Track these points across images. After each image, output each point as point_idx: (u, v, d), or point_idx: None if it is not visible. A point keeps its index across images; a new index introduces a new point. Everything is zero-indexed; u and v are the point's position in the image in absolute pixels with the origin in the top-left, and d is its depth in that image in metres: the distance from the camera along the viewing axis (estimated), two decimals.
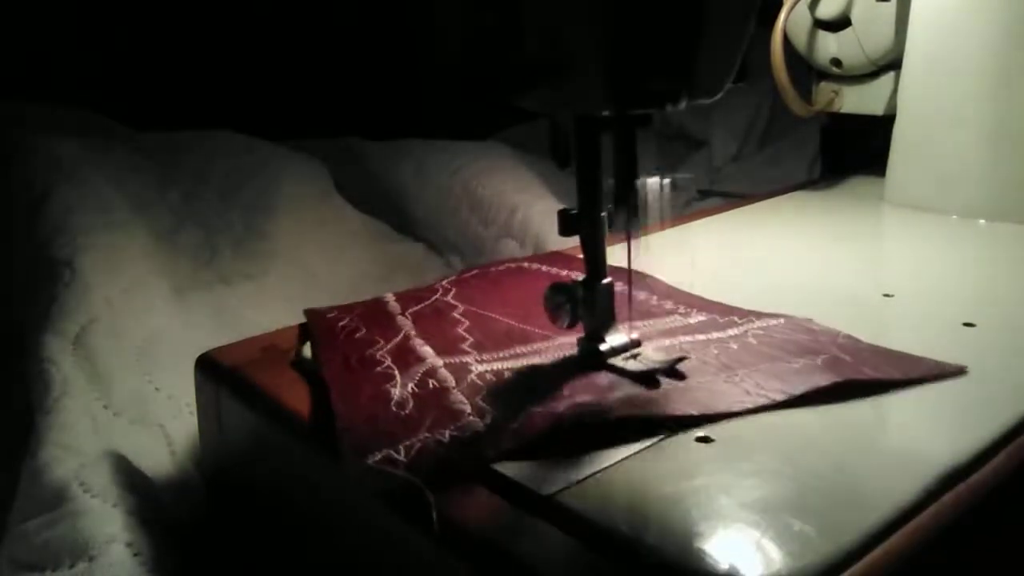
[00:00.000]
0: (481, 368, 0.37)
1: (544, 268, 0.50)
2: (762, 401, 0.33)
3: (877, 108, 0.69)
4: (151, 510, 0.40)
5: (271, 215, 0.76)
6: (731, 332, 0.40)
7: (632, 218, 0.35)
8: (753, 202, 0.67)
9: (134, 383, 0.49)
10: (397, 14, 1.12)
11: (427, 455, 0.30)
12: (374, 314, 0.44)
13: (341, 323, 0.42)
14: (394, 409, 0.33)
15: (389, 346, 0.39)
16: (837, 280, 0.48)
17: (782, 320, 0.41)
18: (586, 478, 0.29)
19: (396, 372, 0.37)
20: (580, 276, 0.44)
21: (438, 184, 0.86)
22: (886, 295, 0.46)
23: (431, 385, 0.35)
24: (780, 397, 0.33)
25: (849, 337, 0.39)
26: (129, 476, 0.41)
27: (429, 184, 0.86)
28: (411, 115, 1.12)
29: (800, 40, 0.70)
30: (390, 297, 0.46)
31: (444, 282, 0.48)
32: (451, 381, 0.36)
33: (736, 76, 0.34)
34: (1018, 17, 0.56)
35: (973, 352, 0.38)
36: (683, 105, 0.33)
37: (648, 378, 0.35)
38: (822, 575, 0.25)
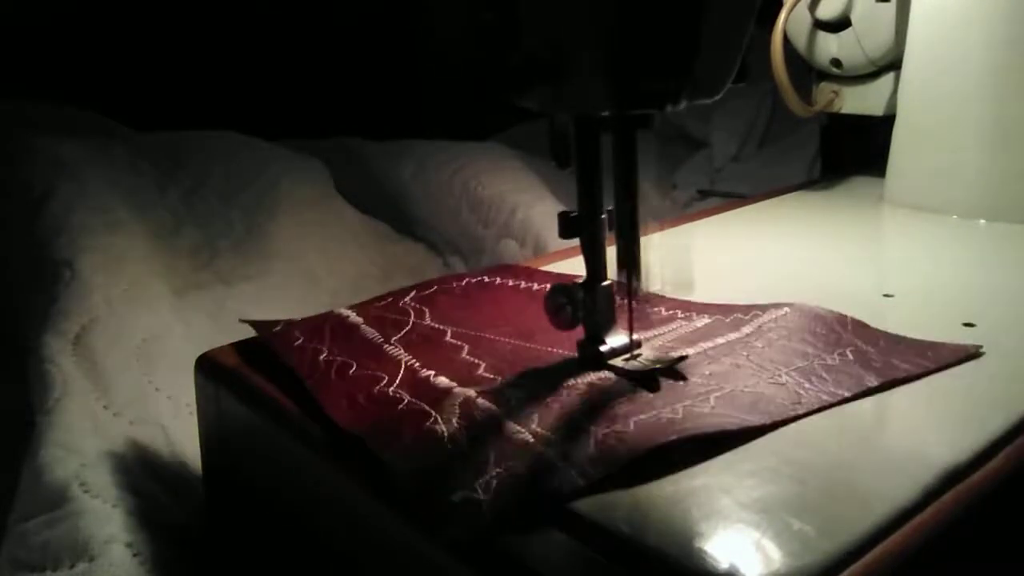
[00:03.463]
0: (515, 393, 0.34)
1: (511, 282, 0.47)
2: (817, 403, 0.33)
3: (877, 108, 0.69)
4: (151, 510, 0.40)
5: (271, 215, 0.76)
6: (745, 330, 0.40)
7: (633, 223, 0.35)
8: (753, 202, 0.67)
9: (134, 383, 0.49)
10: (397, 14, 1.12)
11: (507, 491, 0.28)
12: (349, 341, 0.40)
13: (321, 355, 0.39)
14: (449, 446, 0.31)
15: (398, 381, 0.36)
16: (837, 280, 0.48)
17: (786, 310, 0.41)
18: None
19: (427, 407, 0.34)
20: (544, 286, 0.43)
21: (438, 184, 0.86)
22: (886, 295, 0.46)
23: (476, 416, 0.33)
24: (828, 399, 0.33)
25: (856, 321, 0.40)
26: (129, 476, 0.41)
27: (429, 184, 0.86)
28: (411, 115, 1.12)
29: (800, 40, 0.70)
30: (349, 312, 0.43)
31: (408, 300, 0.45)
32: (495, 409, 0.33)
33: (736, 76, 0.34)
34: (1018, 17, 0.56)
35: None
36: (683, 105, 0.33)
37: (648, 378, 0.35)
38: (822, 575, 0.25)
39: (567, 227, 0.36)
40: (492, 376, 0.36)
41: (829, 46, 0.68)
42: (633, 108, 0.33)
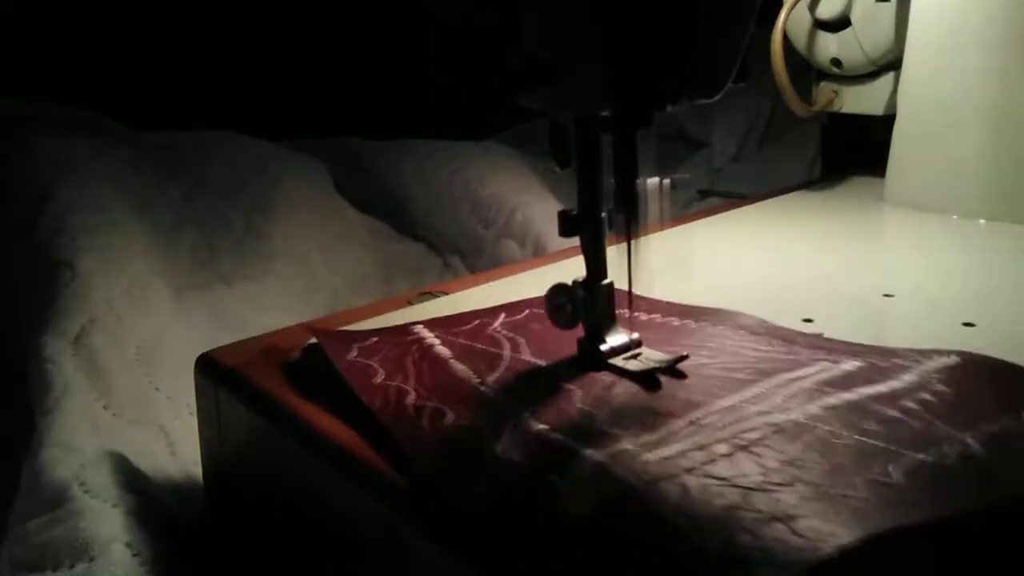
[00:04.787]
0: (651, 456, 0.28)
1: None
2: None
3: (877, 108, 0.69)
4: (151, 510, 0.40)
5: (271, 215, 0.76)
6: (907, 379, 0.33)
7: (633, 222, 0.35)
8: (753, 202, 0.67)
9: (134, 383, 0.49)
10: (397, 14, 1.12)
11: None
12: (438, 380, 0.35)
13: (407, 397, 0.33)
14: (596, 539, 0.25)
15: (505, 436, 0.30)
16: (837, 280, 0.48)
17: (954, 358, 0.35)
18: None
19: (552, 477, 0.28)
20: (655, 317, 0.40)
21: (438, 184, 0.86)
22: (886, 295, 0.46)
23: (614, 492, 0.27)
24: None
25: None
26: (129, 476, 0.41)
27: (429, 184, 0.86)
28: (411, 115, 1.12)
29: (800, 40, 0.70)
30: (433, 339, 0.38)
31: (498, 326, 0.40)
32: (635, 482, 0.27)
33: (736, 76, 0.34)
34: (1017, 17, 0.56)
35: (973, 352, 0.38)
36: (683, 105, 0.33)
37: (648, 378, 0.35)
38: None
39: (567, 225, 0.36)
40: (616, 432, 0.30)
41: (829, 46, 0.68)
42: (633, 108, 0.33)
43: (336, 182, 0.87)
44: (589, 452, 0.28)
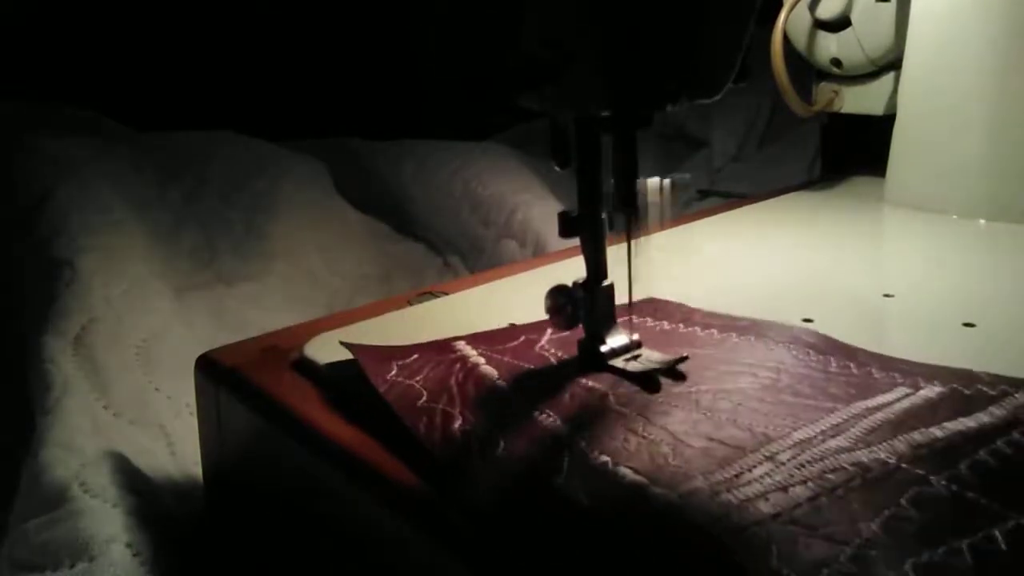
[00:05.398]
0: (730, 498, 0.26)
1: (666, 325, 0.40)
2: None
3: (877, 108, 0.69)
4: (151, 510, 0.40)
5: (271, 216, 0.76)
6: (996, 413, 0.30)
7: (634, 222, 0.35)
8: (753, 202, 0.67)
9: (134, 383, 0.49)
10: (397, 14, 1.12)
11: None
12: (478, 393, 0.33)
13: (455, 423, 0.31)
14: None
15: (566, 471, 0.28)
16: (837, 280, 0.48)
17: None
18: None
19: (625, 519, 0.26)
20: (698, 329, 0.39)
21: (438, 184, 0.86)
22: (886, 295, 0.46)
23: (687, 535, 0.25)
24: None
25: None
26: (129, 476, 0.41)
27: (429, 184, 0.86)
28: (411, 115, 1.12)
29: (800, 40, 0.70)
30: (477, 358, 0.36)
31: (545, 344, 0.37)
32: (714, 526, 0.25)
33: (736, 76, 0.34)
34: (1018, 17, 0.56)
35: (973, 352, 0.38)
36: (683, 105, 0.33)
37: (648, 378, 0.35)
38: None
39: (567, 227, 0.36)
40: (683, 466, 0.27)
41: (829, 46, 0.68)
42: (633, 108, 0.33)
43: (336, 182, 0.87)
44: (660, 491, 0.26)
